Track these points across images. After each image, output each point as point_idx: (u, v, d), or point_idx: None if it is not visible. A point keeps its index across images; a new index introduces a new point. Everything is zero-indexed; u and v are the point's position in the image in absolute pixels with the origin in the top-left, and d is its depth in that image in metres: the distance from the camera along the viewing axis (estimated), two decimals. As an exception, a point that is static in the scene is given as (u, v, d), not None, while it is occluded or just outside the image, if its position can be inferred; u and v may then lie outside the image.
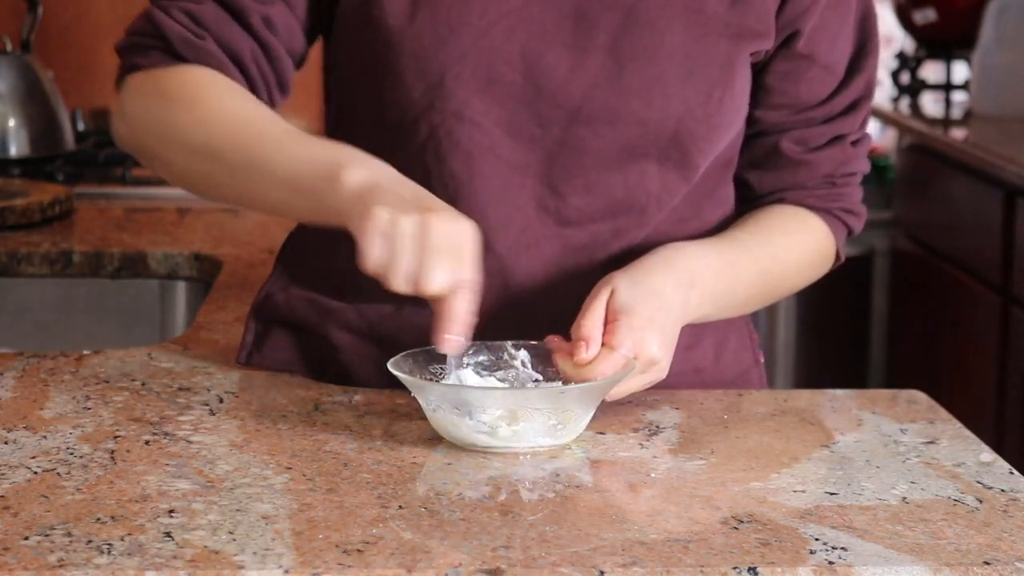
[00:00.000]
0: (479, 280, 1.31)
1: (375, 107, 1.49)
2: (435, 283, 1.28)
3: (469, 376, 1.41)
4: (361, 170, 1.33)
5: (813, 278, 1.61)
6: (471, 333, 1.31)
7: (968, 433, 1.44)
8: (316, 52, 1.57)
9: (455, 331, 1.30)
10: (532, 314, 1.46)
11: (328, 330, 1.53)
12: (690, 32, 1.46)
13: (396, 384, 1.37)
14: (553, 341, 1.41)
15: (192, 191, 1.51)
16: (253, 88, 1.49)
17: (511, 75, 1.44)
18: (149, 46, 1.49)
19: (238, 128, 1.42)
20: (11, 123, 2.67)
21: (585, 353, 1.36)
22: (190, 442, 1.35)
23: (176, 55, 1.47)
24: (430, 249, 1.27)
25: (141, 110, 1.49)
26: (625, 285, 1.40)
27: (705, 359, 1.57)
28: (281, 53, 1.50)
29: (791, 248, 1.56)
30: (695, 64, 1.46)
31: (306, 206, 1.38)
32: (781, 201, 1.58)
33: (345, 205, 1.32)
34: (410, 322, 1.48)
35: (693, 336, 1.54)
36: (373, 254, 1.28)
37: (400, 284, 1.29)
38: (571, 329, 1.39)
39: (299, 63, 1.53)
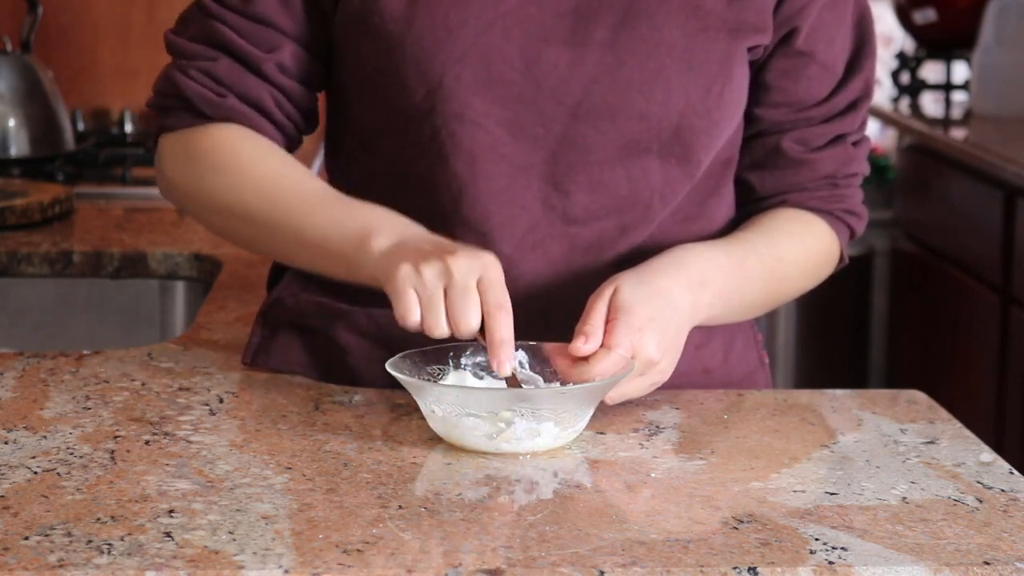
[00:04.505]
0: (509, 304, 1.34)
1: (378, 112, 1.49)
2: (471, 323, 1.33)
3: (467, 377, 1.41)
4: (388, 235, 1.39)
5: (818, 280, 1.61)
6: (515, 350, 1.36)
7: (968, 433, 1.44)
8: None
9: (504, 355, 1.34)
10: (539, 314, 1.46)
11: (336, 332, 1.53)
12: (689, 27, 1.46)
13: (400, 386, 1.37)
14: (552, 345, 1.41)
15: (236, 245, 1.59)
16: (281, 130, 1.53)
17: (510, 74, 1.44)
18: (174, 107, 1.53)
19: (268, 192, 1.47)
20: (11, 123, 2.67)
21: (583, 345, 1.36)
22: (190, 442, 1.35)
23: (201, 114, 1.50)
24: (456, 288, 1.32)
25: (175, 174, 1.55)
26: (629, 285, 1.40)
27: (714, 359, 1.57)
28: (301, 92, 1.53)
29: (797, 250, 1.56)
30: (694, 58, 1.46)
31: (340, 270, 1.44)
32: (783, 203, 1.58)
33: (375, 271, 1.37)
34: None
35: (703, 336, 1.54)
36: (406, 310, 1.34)
37: (441, 332, 1.34)
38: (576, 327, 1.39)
39: (323, 87, 1.56)
